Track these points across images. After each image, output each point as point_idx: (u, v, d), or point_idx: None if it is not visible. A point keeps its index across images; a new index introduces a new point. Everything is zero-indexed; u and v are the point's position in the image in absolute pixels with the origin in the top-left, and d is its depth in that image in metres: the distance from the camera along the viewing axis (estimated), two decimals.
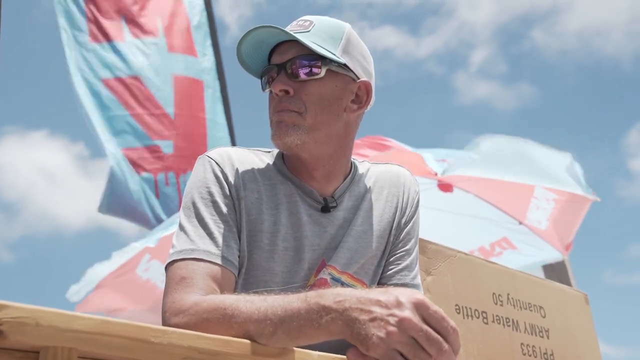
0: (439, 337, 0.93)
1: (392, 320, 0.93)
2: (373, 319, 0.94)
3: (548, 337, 1.71)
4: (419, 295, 0.96)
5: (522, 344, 1.64)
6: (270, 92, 1.37)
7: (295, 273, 1.34)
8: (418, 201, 1.53)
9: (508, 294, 1.67)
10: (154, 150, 4.14)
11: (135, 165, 4.03)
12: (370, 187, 1.47)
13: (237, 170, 1.36)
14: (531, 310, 1.71)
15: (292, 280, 1.33)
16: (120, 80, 3.96)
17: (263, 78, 1.40)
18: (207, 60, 4.66)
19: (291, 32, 1.31)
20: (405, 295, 0.96)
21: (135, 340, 0.85)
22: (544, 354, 1.69)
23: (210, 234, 1.27)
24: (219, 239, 1.27)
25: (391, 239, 1.46)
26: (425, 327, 0.93)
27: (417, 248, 1.50)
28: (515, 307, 1.67)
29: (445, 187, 4.53)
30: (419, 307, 0.94)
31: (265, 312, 1.02)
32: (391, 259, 1.45)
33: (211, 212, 1.30)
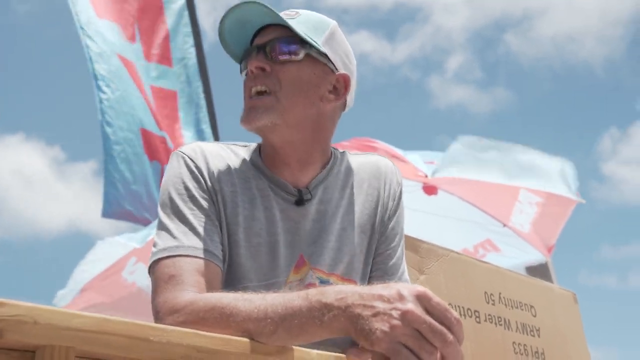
0: (443, 328, 0.91)
1: (395, 313, 0.90)
2: (376, 314, 0.92)
3: (539, 336, 1.71)
4: (420, 287, 0.94)
5: (514, 342, 1.63)
6: (247, 74, 1.33)
7: (270, 270, 1.30)
8: (401, 193, 1.48)
9: (500, 293, 1.66)
10: (162, 140, 4.08)
11: (149, 149, 3.93)
12: (349, 181, 1.43)
13: (210, 164, 1.32)
14: (522, 309, 1.70)
15: (268, 277, 1.29)
16: (130, 62, 3.86)
17: (243, 62, 1.37)
18: (183, 66, 4.56)
19: (276, 12, 1.27)
20: (407, 288, 0.94)
21: (135, 338, 0.83)
22: (535, 352, 1.68)
23: (192, 229, 1.23)
24: (202, 234, 1.23)
25: (376, 235, 1.42)
26: (429, 318, 0.91)
27: (402, 242, 1.46)
28: (507, 306, 1.67)
29: (429, 189, 4.52)
30: (422, 299, 0.92)
31: (265, 310, 1.00)
32: (378, 259, 1.41)
33: (190, 207, 1.26)
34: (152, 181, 4.01)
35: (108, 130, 3.66)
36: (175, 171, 1.31)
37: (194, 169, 1.30)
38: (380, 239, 1.42)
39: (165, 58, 4.51)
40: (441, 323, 0.91)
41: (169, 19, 4.52)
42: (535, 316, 1.72)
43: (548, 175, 4.28)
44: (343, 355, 1.01)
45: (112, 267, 3.56)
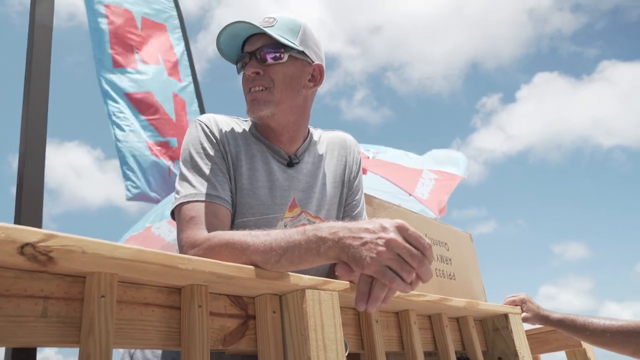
0: (418, 252, 0.78)
1: (380, 242, 0.77)
2: (364, 243, 0.78)
3: (451, 264, 1.61)
4: (399, 220, 0.81)
5: (435, 269, 1.53)
6: (244, 74, 1.17)
7: (269, 207, 1.14)
8: (360, 160, 1.35)
9: (425, 234, 1.55)
10: (165, 145, 3.92)
11: (156, 153, 3.81)
12: (325, 149, 1.28)
13: (221, 130, 1.15)
14: (440, 246, 1.60)
15: (267, 212, 1.13)
16: (136, 94, 3.73)
17: (238, 64, 1.19)
18: (190, 86, 4.49)
19: (259, 27, 1.11)
20: (387, 221, 0.80)
21: (166, 266, 0.68)
22: (449, 275, 1.58)
23: (208, 180, 1.07)
24: (216, 183, 1.07)
25: (345, 189, 1.28)
26: (408, 245, 0.77)
27: (363, 197, 1.33)
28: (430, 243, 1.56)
29: (362, 171, 4.43)
30: (400, 230, 0.79)
31: (270, 244, 0.85)
32: (346, 208, 1.28)
33: (206, 162, 1.09)
34: (158, 173, 3.91)
35: (121, 145, 3.56)
36: (194, 134, 1.13)
37: (209, 133, 1.13)
38: (348, 193, 1.29)
39: (177, 77, 4.39)
40: (416, 248, 0.78)
41: (177, 53, 4.40)
42: (448, 250, 1.62)
43: (444, 160, 4.24)
44: (327, 279, 0.88)
45: (145, 229, 3.45)
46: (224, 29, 1.11)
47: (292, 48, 1.14)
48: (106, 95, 3.51)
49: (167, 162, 4.00)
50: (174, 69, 4.29)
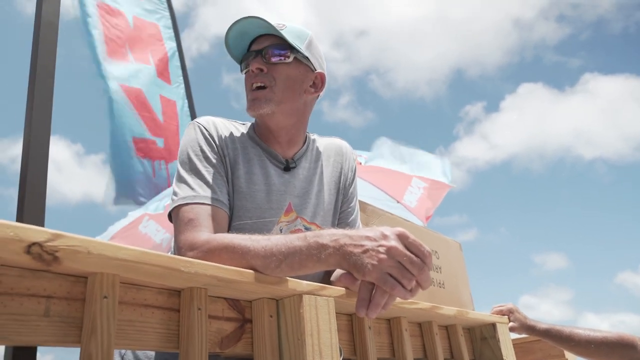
0: (418, 259, 0.79)
1: (381, 249, 0.78)
2: (365, 251, 0.79)
3: (441, 272, 1.62)
4: (399, 228, 0.82)
5: None
6: (247, 72, 1.18)
7: (265, 210, 1.14)
8: (355, 167, 1.36)
9: None
10: (152, 142, 3.87)
11: (140, 151, 3.76)
12: (321, 156, 1.29)
13: (220, 133, 1.16)
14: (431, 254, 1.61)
15: (263, 216, 1.14)
16: (130, 88, 3.71)
17: (242, 63, 1.20)
18: (179, 87, 4.46)
19: (271, 23, 1.13)
20: (388, 229, 0.81)
21: (169, 268, 0.68)
22: (439, 283, 1.59)
23: (207, 183, 1.07)
24: (214, 186, 1.07)
25: (340, 197, 1.29)
26: (408, 252, 0.79)
27: (357, 205, 1.35)
28: None
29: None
30: (401, 237, 0.80)
31: (270, 249, 0.85)
32: (342, 215, 1.29)
33: (204, 164, 1.09)
34: (142, 175, 3.87)
35: (113, 142, 3.55)
36: (192, 137, 1.13)
37: (207, 135, 1.13)
38: (343, 199, 1.30)
39: (168, 78, 4.38)
40: (416, 256, 0.79)
41: (169, 52, 4.40)
42: (438, 259, 1.64)
43: (433, 168, 4.27)
44: (324, 285, 0.89)
45: (130, 224, 3.38)
46: (235, 23, 1.12)
47: (297, 51, 1.16)
48: (103, 78, 3.50)
49: (151, 162, 3.98)
50: (164, 70, 4.29)
